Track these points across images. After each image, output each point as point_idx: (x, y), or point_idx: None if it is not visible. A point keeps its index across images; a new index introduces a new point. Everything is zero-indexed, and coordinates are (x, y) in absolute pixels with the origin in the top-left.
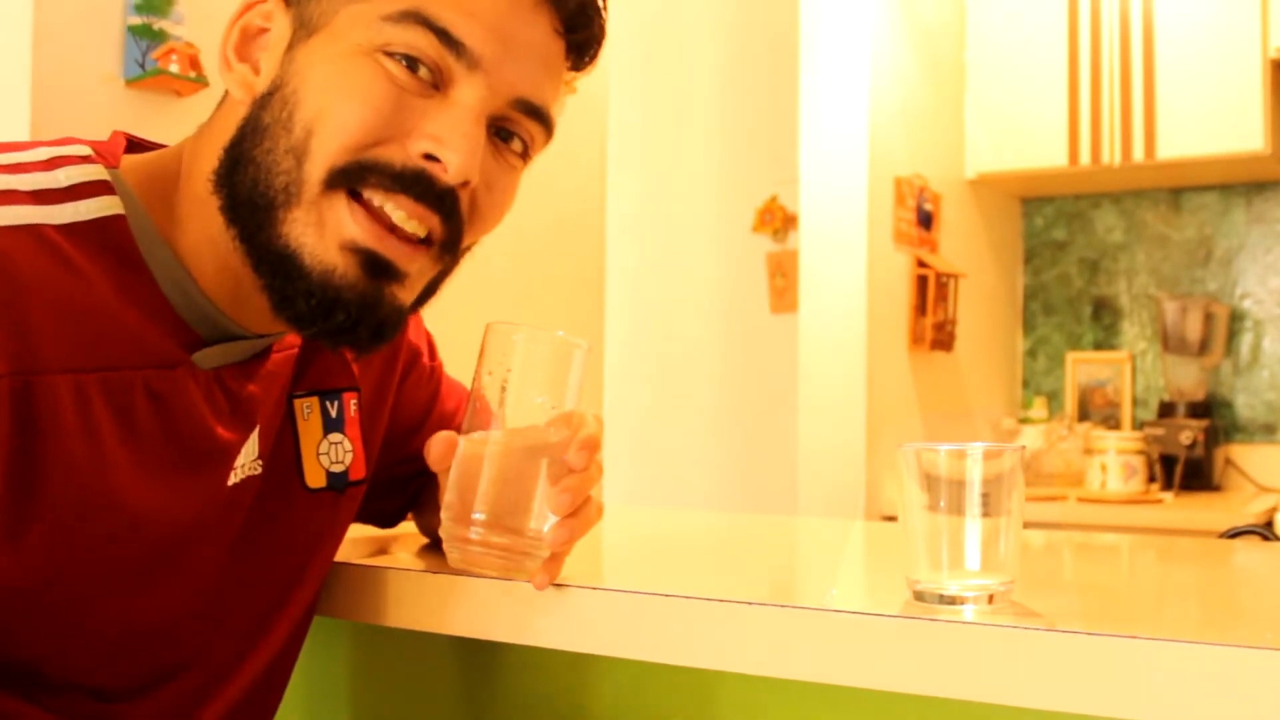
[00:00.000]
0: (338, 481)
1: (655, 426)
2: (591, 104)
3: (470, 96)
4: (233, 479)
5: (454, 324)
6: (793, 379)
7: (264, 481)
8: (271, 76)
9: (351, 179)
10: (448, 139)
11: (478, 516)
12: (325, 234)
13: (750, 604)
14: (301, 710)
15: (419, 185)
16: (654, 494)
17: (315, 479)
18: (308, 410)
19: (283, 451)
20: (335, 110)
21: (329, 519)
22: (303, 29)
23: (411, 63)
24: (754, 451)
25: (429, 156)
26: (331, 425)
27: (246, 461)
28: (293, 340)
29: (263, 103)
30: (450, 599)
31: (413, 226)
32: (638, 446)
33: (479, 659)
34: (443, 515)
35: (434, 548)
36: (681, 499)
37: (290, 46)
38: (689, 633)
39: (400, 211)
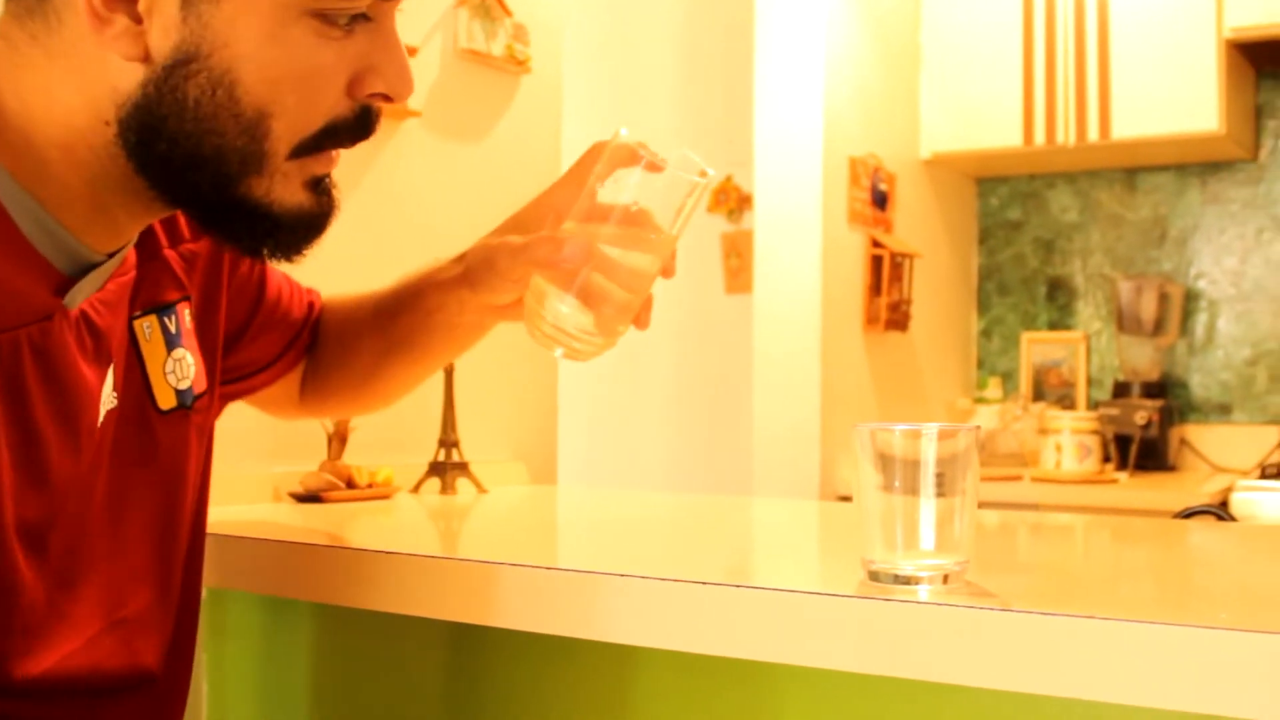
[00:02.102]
0: (185, 398)
1: (610, 407)
2: (545, 87)
3: (390, 20)
4: (101, 419)
5: None
6: (748, 359)
7: (120, 413)
8: (175, 39)
9: (316, 146)
10: (387, 74)
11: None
12: (290, 185)
13: (705, 584)
14: (256, 696)
15: (368, 128)
16: (609, 475)
17: (166, 400)
18: (148, 330)
19: (133, 378)
20: (292, 95)
21: (187, 439)
22: None
23: (347, 18)
24: (709, 432)
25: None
26: (173, 341)
27: (106, 396)
28: (129, 263)
29: (178, 71)
30: (409, 579)
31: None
32: (593, 428)
33: (447, 642)
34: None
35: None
36: (637, 480)
37: (189, 2)
38: (643, 613)
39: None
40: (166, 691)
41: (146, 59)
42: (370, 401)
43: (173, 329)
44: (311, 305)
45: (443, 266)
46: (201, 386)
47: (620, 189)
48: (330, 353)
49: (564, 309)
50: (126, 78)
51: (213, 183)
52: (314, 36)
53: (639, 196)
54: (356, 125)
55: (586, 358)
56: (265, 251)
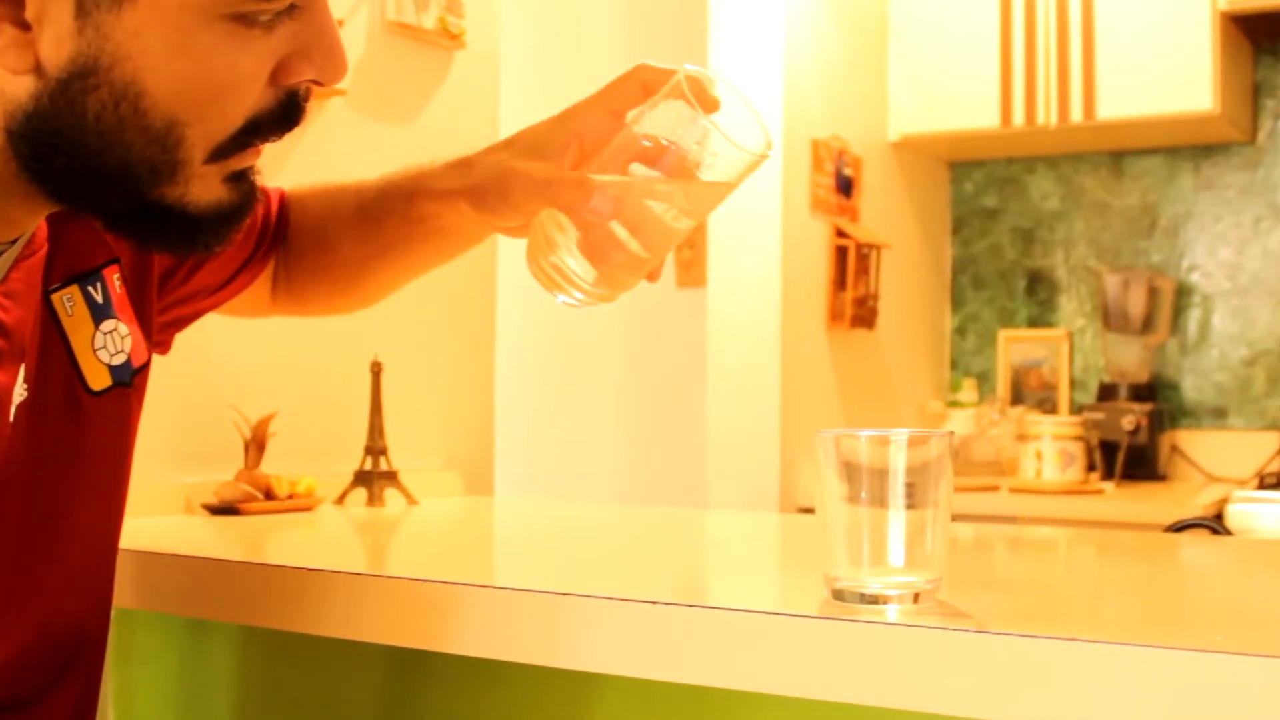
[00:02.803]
0: (123, 374)
1: (551, 411)
2: (482, 63)
3: (323, 6)
4: (12, 415)
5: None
6: (700, 359)
7: (36, 402)
8: (71, 49)
9: (238, 145)
10: (316, 58)
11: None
12: (209, 185)
13: (655, 603)
14: None
15: (295, 118)
16: (551, 486)
17: (99, 379)
18: (70, 303)
19: (54, 360)
20: (207, 102)
21: (129, 421)
22: None
23: (270, 15)
24: (659, 438)
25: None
26: (101, 312)
27: (17, 391)
28: (38, 240)
29: (75, 84)
30: (339, 599)
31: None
32: (532, 434)
33: (384, 667)
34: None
35: (313, 538)
36: (581, 491)
37: (84, 11)
38: (589, 635)
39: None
40: (83, 711)
41: (38, 70)
42: (352, 304)
43: (99, 298)
44: (268, 209)
45: (439, 172)
46: (142, 358)
47: (661, 126)
48: (308, 255)
49: (574, 262)
50: (17, 87)
51: (121, 195)
52: (230, 41)
53: (682, 141)
54: (282, 116)
55: (582, 306)
56: (183, 250)
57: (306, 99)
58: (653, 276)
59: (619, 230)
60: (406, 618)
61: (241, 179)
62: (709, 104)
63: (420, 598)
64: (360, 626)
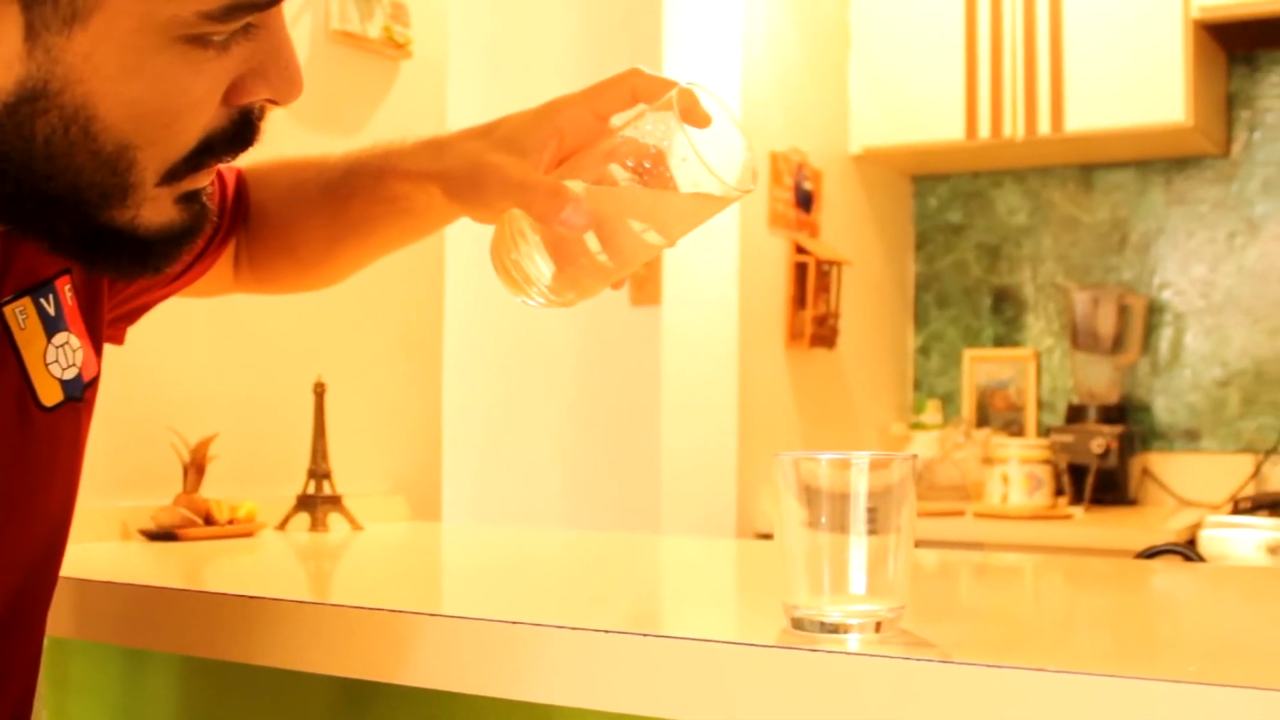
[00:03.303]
0: (74, 389)
1: (501, 433)
2: (428, 73)
3: (279, 19)
4: None
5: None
6: (655, 380)
7: None
8: (20, 73)
9: (191, 167)
10: (271, 76)
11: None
12: (159, 206)
13: (610, 633)
14: None
15: (250, 138)
16: (500, 510)
17: (50, 394)
18: (22, 316)
19: (6, 374)
20: (159, 126)
21: (78, 437)
22: (54, 14)
23: (224, 36)
24: (612, 462)
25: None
26: (53, 325)
27: None
28: None
29: (23, 108)
30: (283, 629)
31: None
32: (482, 456)
33: (332, 699)
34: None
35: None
36: (531, 516)
37: (34, 34)
38: (540, 665)
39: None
40: None
41: None
42: (319, 282)
43: (51, 310)
44: (224, 190)
45: (410, 151)
46: (92, 372)
47: (647, 139)
48: (272, 234)
49: (540, 264)
50: None
51: (70, 219)
52: (183, 63)
53: (666, 158)
54: (236, 136)
55: (539, 308)
56: (133, 273)
57: (261, 118)
58: (616, 285)
59: (589, 241)
60: (353, 647)
61: (194, 199)
62: (700, 120)
63: (367, 627)
64: (305, 657)
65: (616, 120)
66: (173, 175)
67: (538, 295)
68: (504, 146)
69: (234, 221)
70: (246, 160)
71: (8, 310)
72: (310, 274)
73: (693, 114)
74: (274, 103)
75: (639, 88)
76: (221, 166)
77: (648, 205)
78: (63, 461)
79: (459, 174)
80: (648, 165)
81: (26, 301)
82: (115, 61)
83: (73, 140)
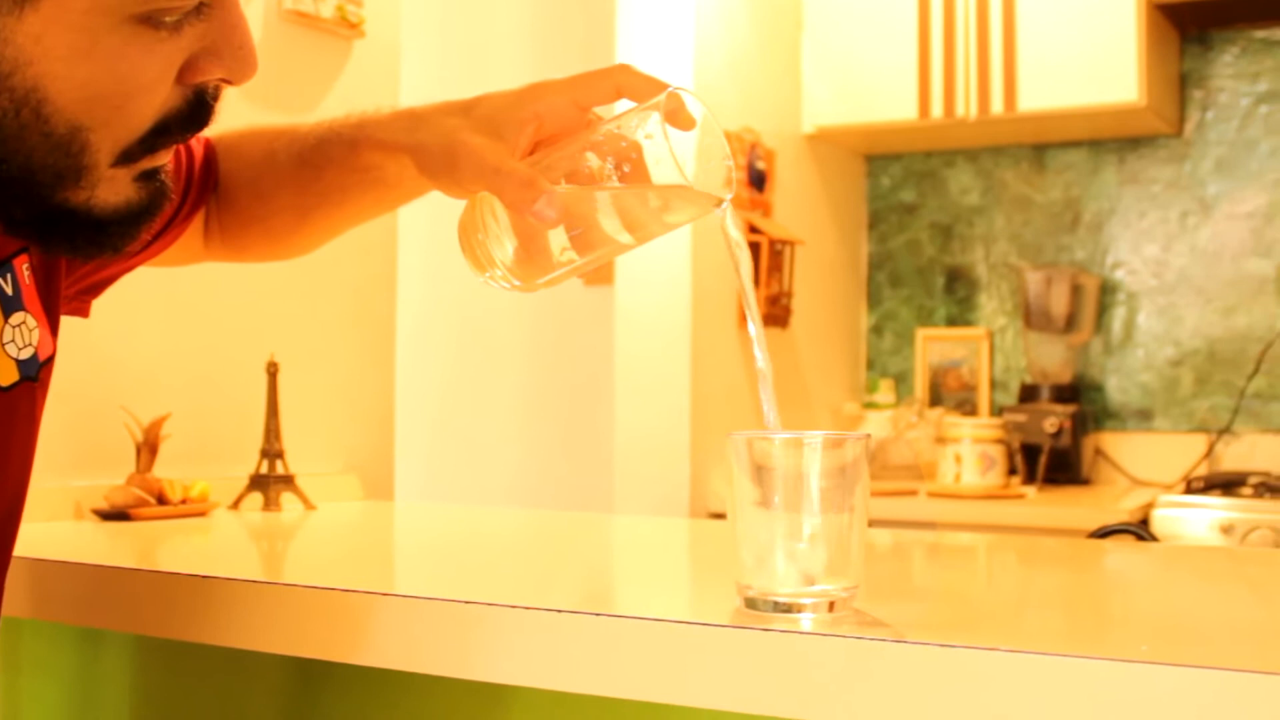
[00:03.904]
0: (30, 369)
1: (454, 413)
2: (381, 52)
3: (234, 3)
4: None
5: (227, 280)
6: (608, 360)
7: None
8: None
9: (146, 148)
10: (225, 56)
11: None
12: (116, 186)
13: (563, 612)
14: None
15: (205, 117)
16: (453, 490)
17: (6, 374)
18: None
19: None
20: (112, 108)
21: (30, 416)
22: None
23: (178, 16)
24: (565, 441)
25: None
26: (10, 305)
27: None
28: None
29: None
30: (238, 608)
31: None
32: (434, 436)
33: (287, 678)
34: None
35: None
36: (484, 496)
37: None
38: (493, 645)
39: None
40: None
41: None
42: (291, 251)
43: (9, 290)
44: (192, 161)
45: (385, 122)
46: (48, 351)
47: (623, 146)
48: (243, 203)
49: (508, 249)
50: None
51: (24, 200)
52: (136, 43)
53: (644, 159)
54: (190, 116)
55: (502, 290)
56: (90, 253)
57: (216, 98)
58: (582, 277)
59: (557, 234)
60: (306, 627)
61: (152, 177)
62: (684, 123)
63: (321, 606)
64: (259, 636)
65: (603, 118)
66: (128, 156)
67: (502, 280)
68: (482, 127)
69: (202, 192)
70: (216, 130)
71: None
72: (282, 243)
73: (677, 117)
74: (228, 82)
75: (625, 84)
76: (192, 145)
77: (621, 206)
78: (18, 441)
79: (434, 150)
80: (626, 169)
81: None
82: (66, 43)
83: (24, 123)
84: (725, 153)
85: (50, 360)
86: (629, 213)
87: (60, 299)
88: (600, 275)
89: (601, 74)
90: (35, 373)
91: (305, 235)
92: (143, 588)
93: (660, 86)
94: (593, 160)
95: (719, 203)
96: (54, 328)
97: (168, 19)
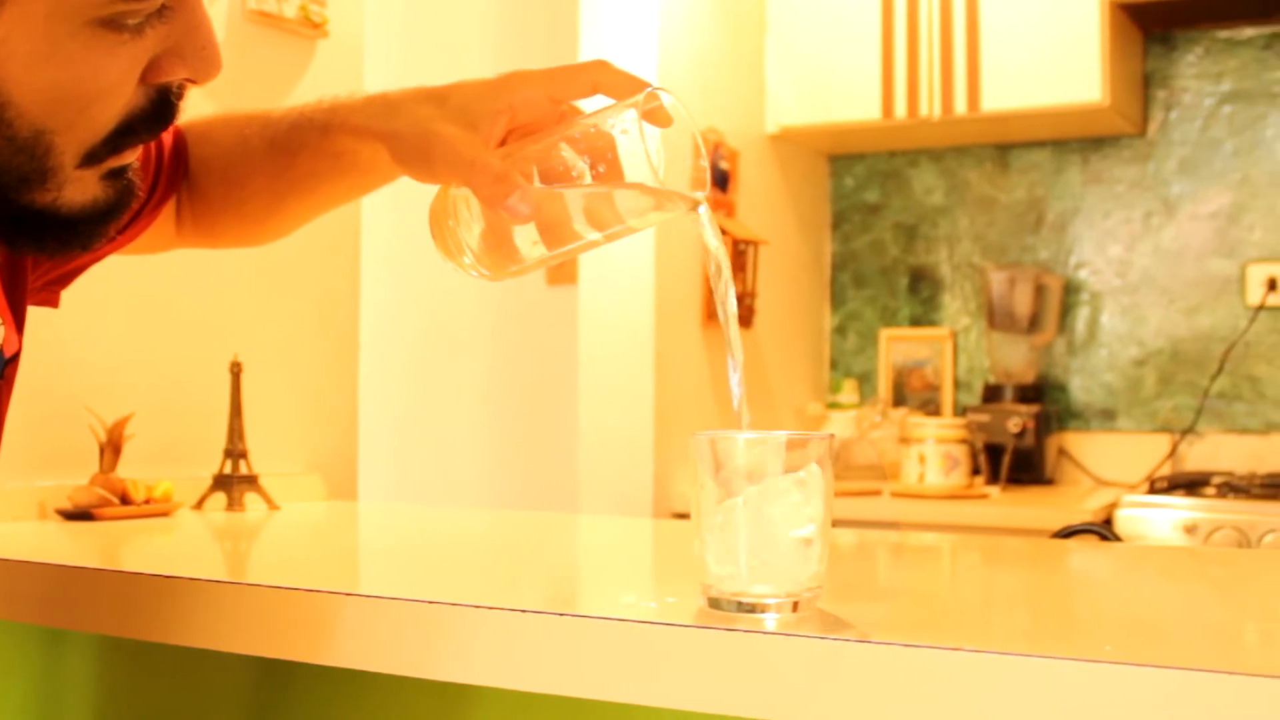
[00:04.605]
0: None
1: (418, 413)
2: (345, 52)
3: (197, 3)
4: None
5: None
6: (572, 359)
7: None
8: None
9: (111, 149)
10: (188, 55)
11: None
12: (82, 186)
13: (525, 612)
14: None
15: (169, 116)
16: (417, 490)
17: None
18: None
19: None
20: (74, 111)
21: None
22: None
23: (140, 18)
24: (529, 441)
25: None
26: None
27: None
28: None
29: None
30: (200, 608)
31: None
32: (399, 436)
33: (251, 678)
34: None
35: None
36: (448, 496)
37: None
38: (457, 645)
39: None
40: None
41: None
42: (263, 237)
43: None
44: (161, 149)
45: (358, 106)
46: (13, 348)
47: (598, 144)
48: (216, 189)
49: (478, 238)
50: None
51: None
52: (99, 46)
53: (620, 157)
54: (154, 115)
55: (471, 277)
56: (58, 252)
57: (180, 97)
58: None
59: (523, 231)
60: (270, 627)
61: (119, 176)
62: (661, 122)
63: (285, 606)
64: (223, 636)
65: (580, 112)
66: (92, 157)
67: (471, 268)
68: (456, 117)
69: (172, 180)
70: (188, 117)
71: None
72: (254, 228)
73: (655, 117)
74: (192, 82)
75: (602, 81)
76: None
77: (593, 204)
78: None
79: (408, 139)
80: (601, 168)
81: None
82: (28, 48)
83: None
84: (701, 155)
85: (15, 358)
86: (601, 210)
87: (27, 295)
88: (563, 275)
89: (579, 69)
90: (0, 369)
91: (278, 220)
92: (106, 588)
93: (639, 85)
94: (567, 155)
95: (694, 205)
96: (19, 325)
97: (130, 21)
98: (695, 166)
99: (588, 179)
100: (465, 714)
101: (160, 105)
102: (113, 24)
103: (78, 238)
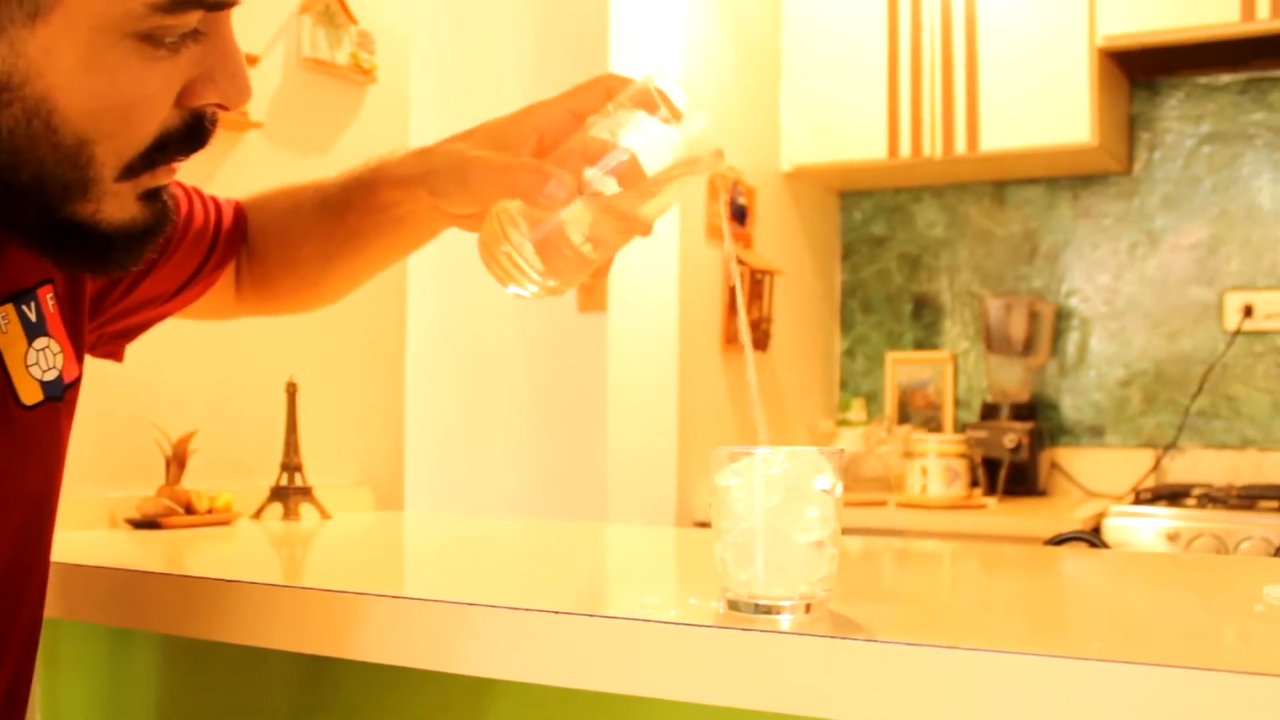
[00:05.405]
0: (54, 389)
1: (460, 430)
2: (392, 97)
3: (225, 26)
4: None
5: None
6: (602, 380)
7: None
8: None
9: (147, 163)
10: (221, 81)
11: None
12: (123, 203)
13: (559, 613)
14: None
15: (202, 138)
16: (458, 501)
17: (30, 394)
18: (4, 322)
19: None
20: (116, 121)
21: (58, 433)
22: (19, 9)
23: (176, 36)
24: (562, 456)
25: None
26: (34, 330)
27: None
28: None
29: None
30: (255, 609)
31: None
32: (442, 451)
33: (298, 674)
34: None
35: (231, 551)
36: (487, 506)
37: (1, 28)
38: (492, 643)
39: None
40: None
41: None
42: (318, 299)
43: (33, 316)
44: (220, 218)
45: (400, 161)
46: (73, 374)
47: (617, 130)
48: (272, 254)
49: (529, 254)
50: None
51: (34, 211)
52: (138, 60)
53: (636, 146)
54: (189, 136)
55: (531, 297)
56: (96, 268)
57: (214, 121)
58: (600, 274)
59: (572, 230)
60: (318, 626)
61: (155, 198)
62: (660, 103)
63: (332, 607)
64: (274, 635)
65: (590, 119)
66: (131, 170)
67: (528, 284)
68: (486, 144)
69: (229, 245)
70: (249, 192)
71: None
72: (308, 291)
73: (648, 99)
74: (223, 107)
75: (614, 87)
76: (219, 199)
77: (626, 178)
78: (39, 455)
79: (443, 170)
80: (621, 150)
81: (9, 308)
82: (73, 56)
83: (35, 133)
84: (705, 115)
85: (76, 383)
86: (631, 201)
87: (85, 329)
88: (594, 302)
89: (591, 82)
90: (60, 393)
91: (330, 281)
92: (170, 590)
93: (651, 92)
94: (592, 145)
95: (716, 156)
96: (79, 354)
97: (167, 39)
98: (707, 127)
99: (615, 161)
100: (494, 708)
101: (194, 127)
102: (151, 39)
103: (115, 254)
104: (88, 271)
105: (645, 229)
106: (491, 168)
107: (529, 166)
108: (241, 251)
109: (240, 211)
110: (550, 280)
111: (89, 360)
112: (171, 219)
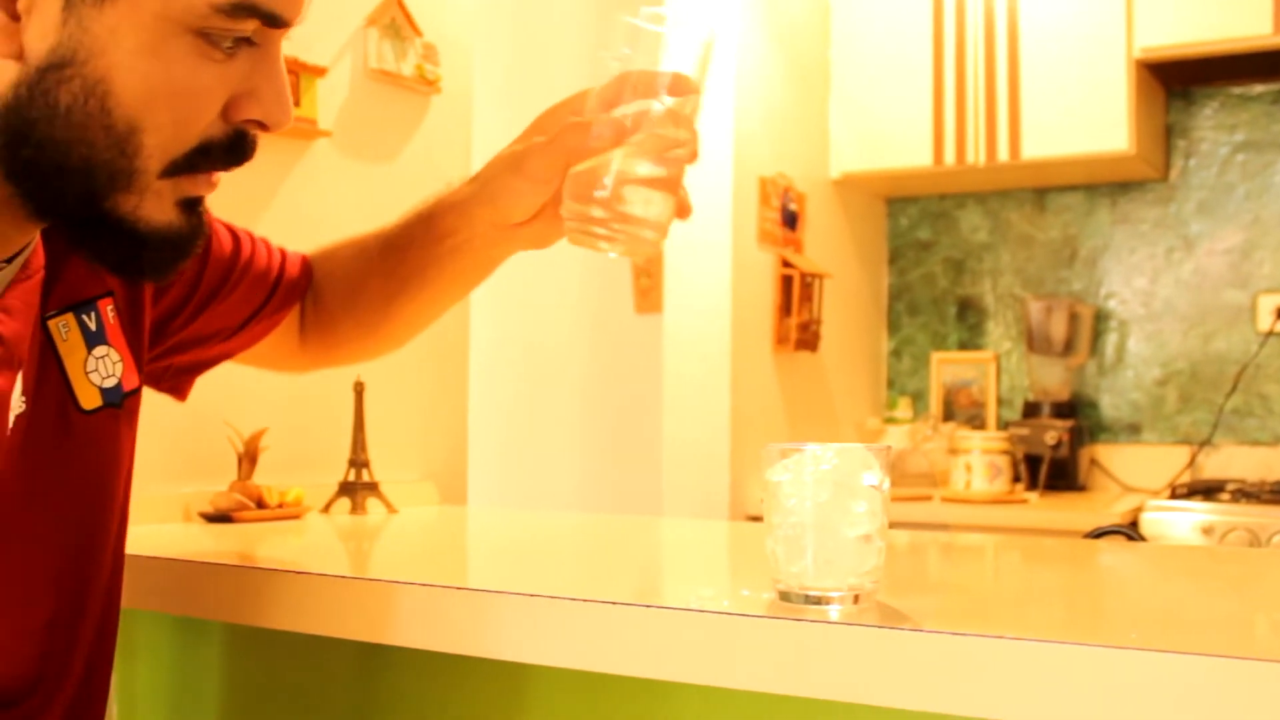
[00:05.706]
0: (113, 396)
1: (521, 428)
2: (456, 106)
3: (276, 47)
4: (10, 423)
5: None
6: (658, 379)
7: (33, 416)
8: (53, 41)
9: (189, 166)
10: (265, 101)
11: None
12: (163, 204)
13: (615, 604)
14: (166, 716)
15: (243, 153)
16: (520, 496)
17: (89, 400)
18: (65, 330)
19: (49, 379)
20: (166, 111)
21: (114, 438)
22: None
23: (231, 41)
24: (619, 452)
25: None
26: (94, 339)
27: (15, 400)
28: (35, 265)
29: (51, 75)
30: (318, 599)
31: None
32: (503, 448)
33: (357, 662)
34: (570, 195)
35: (300, 544)
36: (546, 501)
37: (70, 5)
38: (552, 633)
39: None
40: (84, 708)
41: (20, 58)
42: (381, 345)
43: (93, 326)
44: (285, 261)
45: (456, 189)
46: (133, 383)
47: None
48: (337, 300)
49: (604, 217)
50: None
51: (79, 195)
52: (194, 55)
53: (645, 64)
54: (231, 148)
55: (635, 253)
56: (129, 270)
57: (254, 141)
58: (683, 212)
59: (638, 166)
60: (384, 616)
61: (193, 208)
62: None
63: (396, 598)
64: (342, 624)
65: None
66: (174, 169)
67: (630, 240)
68: (526, 138)
69: (292, 290)
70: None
71: (52, 324)
72: (370, 337)
73: (638, 37)
74: (264, 127)
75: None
76: (287, 251)
77: (658, 107)
78: (98, 458)
79: (497, 175)
80: (642, 111)
81: (69, 317)
82: (135, 39)
83: (90, 112)
84: (693, 25)
85: (136, 392)
86: (682, 93)
87: (145, 342)
88: (650, 304)
89: (615, 80)
90: (119, 401)
91: (391, 326)
92: (241, 582)
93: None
94: (632, 77)
95: (712, 35)
96: (139, 364)
97: (223, 43)
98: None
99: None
100: (546, 696)
101: (236, 141)
102: (209, 38)
103: (147, 256)
104: (118, 272)
105: (690, 129)
106: (541, 145)
107: (575, 124)
108: (306, 299)
109: (306, 263)
110: (644, 231)
111: None
112: (204, 233)
